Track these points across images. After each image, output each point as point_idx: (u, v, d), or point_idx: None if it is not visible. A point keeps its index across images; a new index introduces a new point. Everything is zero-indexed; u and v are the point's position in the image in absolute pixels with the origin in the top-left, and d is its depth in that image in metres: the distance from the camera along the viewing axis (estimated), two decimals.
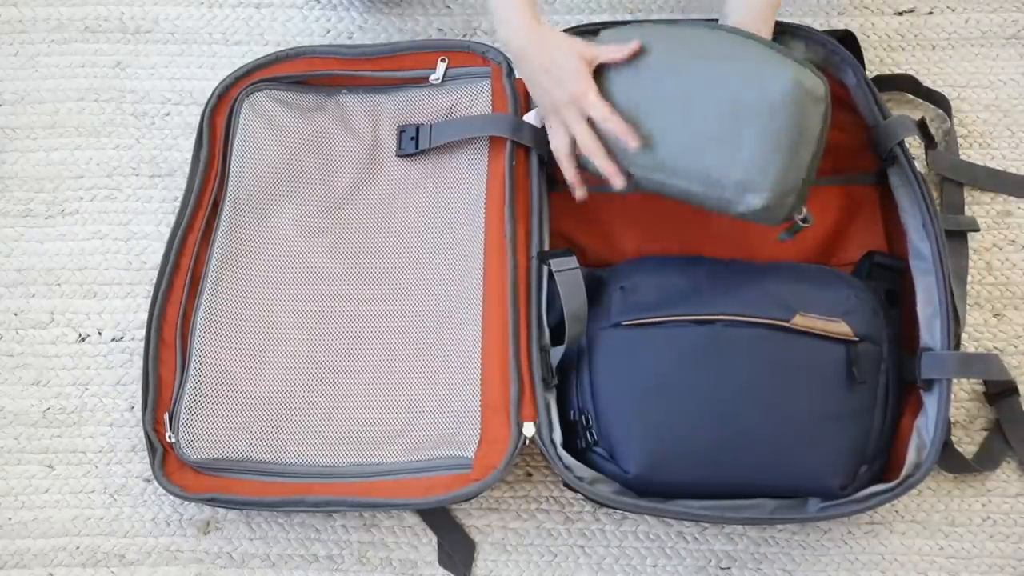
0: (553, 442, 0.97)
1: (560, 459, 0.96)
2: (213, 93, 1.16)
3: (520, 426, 0.97)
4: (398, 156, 1.15)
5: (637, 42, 0.95)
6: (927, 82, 1.20)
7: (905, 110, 1.20)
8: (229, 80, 1.16)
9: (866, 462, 0.96)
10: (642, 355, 0.96)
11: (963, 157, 1.18)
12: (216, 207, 1.12)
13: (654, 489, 0.95)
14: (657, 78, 0.95)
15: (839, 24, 1.25)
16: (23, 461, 1.10)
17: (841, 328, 0.95)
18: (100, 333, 1.15)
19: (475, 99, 1.14)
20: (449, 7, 1.28)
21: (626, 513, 1.04)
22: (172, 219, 1.17)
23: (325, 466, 1.01)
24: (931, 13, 1.26)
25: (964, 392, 1.09)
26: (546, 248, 1.06)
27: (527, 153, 1.08)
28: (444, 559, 1.03)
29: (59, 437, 1.10)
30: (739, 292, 0.97)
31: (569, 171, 1.01)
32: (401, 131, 1.15)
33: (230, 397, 1.04)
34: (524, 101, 1.12)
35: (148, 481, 1.08)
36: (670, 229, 1.12)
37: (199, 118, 1.15)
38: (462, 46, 1.15)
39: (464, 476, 0.97)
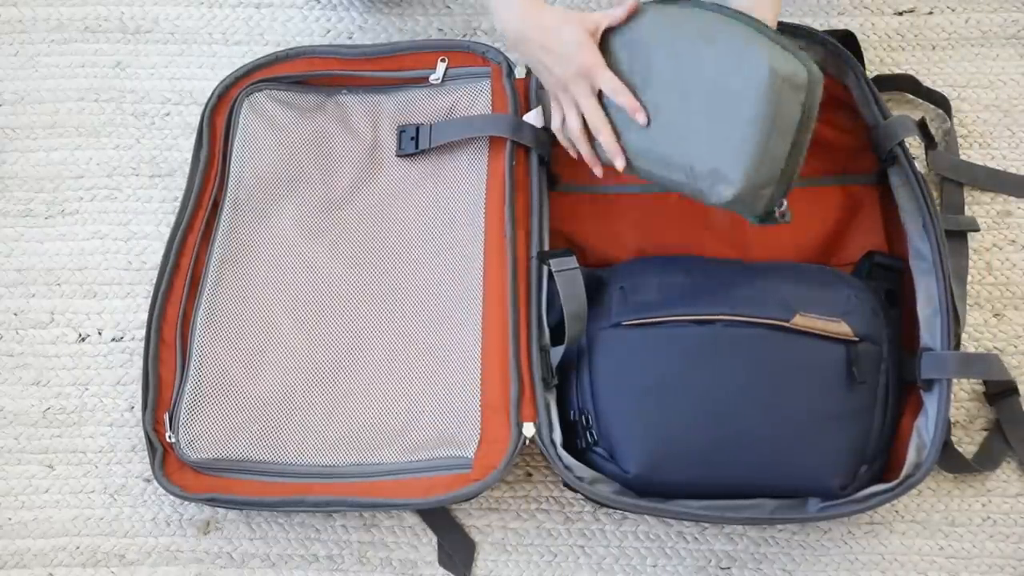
0: (553, 442, 0.97)
1: (560, 459, 0.96)
2: (213, 93, 1.16)
3: (520, 426, 0.97)
4: (398, 156, 1.15)
5: (632, 4, 0.93)
6: (927, 82, 1.20)
7: (905, 110, 1.20)
8: (229, 80, 1.16)
9: (866, 462, 0.96)
10: (642, 355, 0.96)
11: (963, 157, 1.18)
12: (216, 207, 1.12)
13: (654, 489, 0.95)
14: (649, 53, 0.93)
15: (839, 24, 1.25)
16: (23, 461, 1.10)
17: (841, 328, 0.95)
18: (100, 333, 1.15)
19: (475, 99, 1.14)
20: (449, 7, 1.28)
21: (626, 513, 1.04)
22: (172, 219, 1.17)
23: (325, 466, 1.01)
24: (931, 13, 1.26)
25: (964, 392, 1.09)
26: (546, 248, 1.06)
27: (527, 153, 1.08)
28: (444, 559, 1.03)
29: (59, 437, 1.10)
30: (739, 292, 0.97)
31: (584, 148, 0.99)
32: (401, 131, 1.15)
33: (230, 397, 1.04)
34: (524, 101, 1.12)
35: (148, 481, 1.08)
36: (670, 229, 1.12)
37: (199, 118, 1.15)
38: (462, 46, 1.15)
39: (464, 476, 0.97)
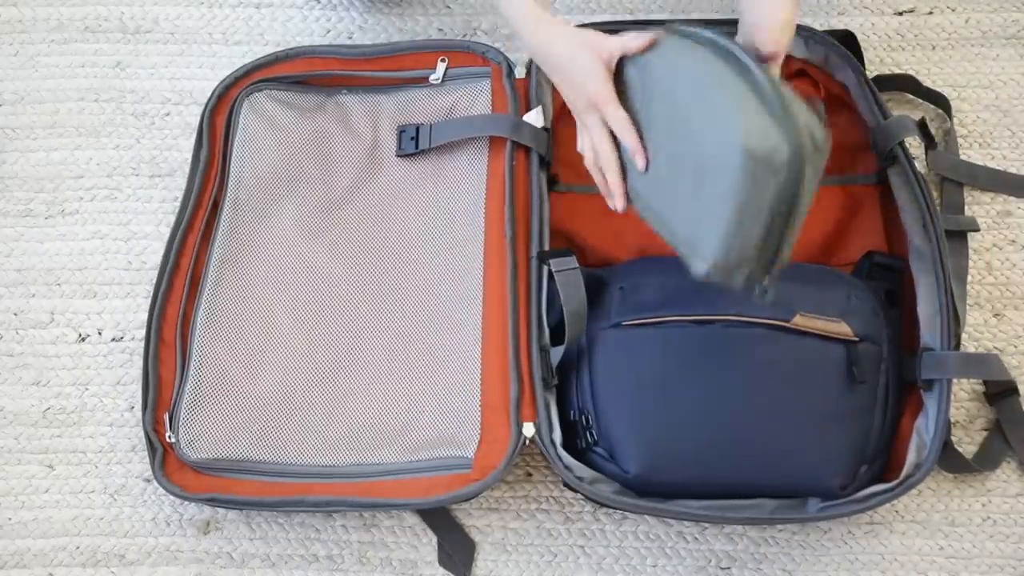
0: (553, 442, 0.97)
1: (560, 459, 0.96)
2: (213, 93, 1.16)
3: (520, 426, 0.97)
4: (398, 156, 1.15)
5: (652, 36, 0.85)
6: (927, 82, 1.20)
7: (905, 110, 1.20)
8: (229, 80, 1.16)
9: (866, 462, 0.96)
10: (642, 355, 0.96)
11: (963, 157, 1.18)
12: (216, 207, 1.12)
13: (654, 489, 0.95)
14: (653, 96, 0.85)
15: (839, 24, 1.25)
16: (23, 461, 1.10)
17: (841, 328, 0.95)
18: (100, 333, 1.15)
19: (475, 99, 1.14)
20: (449, 7, 1.28)
21: (626, 513, 1.04)
22: (172, 219, 1.17)
23: (325, 466, 1.01)
24: (931, 13, 1.26)
25: (964, 392, 1.09)
26: (546, 248, 1.06)
27: (527, 153, 1.08)
28: (444, 559, 1.03)
29: (59, 437, 1.10)
30: (739, 292, 0.97)
31: (597, 179, 0.94)
32: (401, 131, 1.15)
33: (230, 397, 1.04)
34: (524, 101, 1.12)
35: (148, 481, 1.08)
36: None
37: (199, 118, 1.15)
38: (462, 46, 1.15)
39: (464, 476, 0.97)
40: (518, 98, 1.11)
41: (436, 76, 1.15)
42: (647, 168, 0.86)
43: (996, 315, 1.12)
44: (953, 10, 1.26)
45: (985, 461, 1.04)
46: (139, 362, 1.11)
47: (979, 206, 1.16)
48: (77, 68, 1.26)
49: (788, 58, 0.98)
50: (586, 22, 1.15)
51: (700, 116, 0.80)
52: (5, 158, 1.23)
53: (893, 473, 0.96)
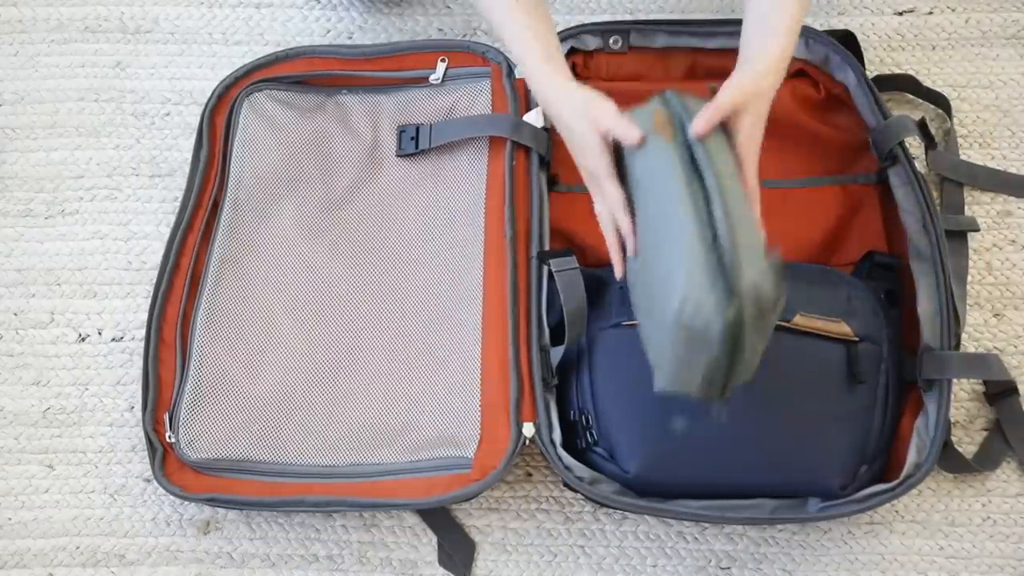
0: (553, 442, 0.97)
1: (560, 459, 0.96)
2: (213, 93, 1.16)
3: (520, 426, 0.97)
4: (398, 156, 1.15)
5: (640, 135, 0.80)
6: (927, 82, 1.20)
7: (905, 110, 1.20)
8: (229, 80, 1.16)
9: (866, 462, 0.96)
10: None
11: (963, 157, 1.18)
12: (216, 207, 1.12)
13: (654, 489, 0.95)
14: (640, 193, 0.82)
15: (839, 24, 1.25)
16: (23, 461, 1.10)
17: (841, 328, 0.95)
18: (100, 333, 1.14)
19: (475, 99, 1.14)
20: (449, 7, 1.28)
21: (626, 513, 1.04)
22: (172, 219, 1.17)
23: (325, 466, 1.01)
24: (931, 13, 1.26)
25: (964, 392, 1.09)
26: (546, 248, 1.06)
27: (527, 153, 1.08)
28: (444, 559, 1.03)
29: (59, 437, 1.10)
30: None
31: (608, 239, 0.90)
32: (401, 131, 1.15)
33: (230, 397, 1.04)
34: (524, 101, 1.12)
35: (148, 481, 1.08)
36: None
37: (199, 118, 1.16)
38: (462, 46, 1.15)
39: (464, 476, 0.97)
40: (518, 98, 1.11)
41: (436, 76, 1.15)
42: (636, 254, 0.85)
43: (996, 315, 1.12)
44: (953, 10, 1.26)
45: (985, 461, 1.04)
46: (139, 362, 1.11)
47: (979, 206, 1.16)
48: (77, 68, 1.26)
49: None
50: (586, 22, 1.15)
51: (657, 248, 0.78)
52: (5, 158, 1.23)
53: (893, 473, 0.96)
